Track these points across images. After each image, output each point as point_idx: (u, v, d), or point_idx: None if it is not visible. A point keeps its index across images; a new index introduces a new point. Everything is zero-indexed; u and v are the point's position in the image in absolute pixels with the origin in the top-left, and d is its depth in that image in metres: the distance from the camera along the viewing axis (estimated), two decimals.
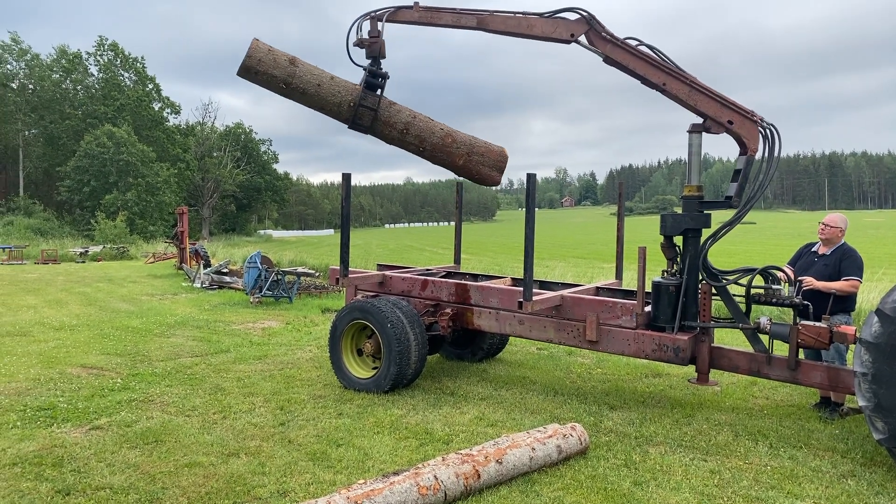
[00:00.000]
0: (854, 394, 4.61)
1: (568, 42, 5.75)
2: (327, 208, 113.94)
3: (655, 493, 4.16)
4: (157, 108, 59.68)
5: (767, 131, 5.44)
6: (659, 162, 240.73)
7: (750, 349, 5.43)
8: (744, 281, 5.41)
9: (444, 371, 7.36)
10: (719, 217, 5.56)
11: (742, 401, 6.32)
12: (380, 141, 6.51)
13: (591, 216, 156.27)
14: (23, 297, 14.11)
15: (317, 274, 15.76)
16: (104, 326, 10.29)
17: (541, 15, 5.81)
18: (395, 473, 3.86)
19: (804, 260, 6.10)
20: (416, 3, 6.07)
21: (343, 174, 6.24)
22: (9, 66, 51.60)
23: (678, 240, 5.61)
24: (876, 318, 4.35)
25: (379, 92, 6.20)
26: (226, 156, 69.37)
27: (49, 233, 40.91)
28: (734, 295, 5.49)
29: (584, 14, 5.68)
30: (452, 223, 8.77)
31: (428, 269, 8.11)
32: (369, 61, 6.19)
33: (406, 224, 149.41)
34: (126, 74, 57.72)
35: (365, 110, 6.12)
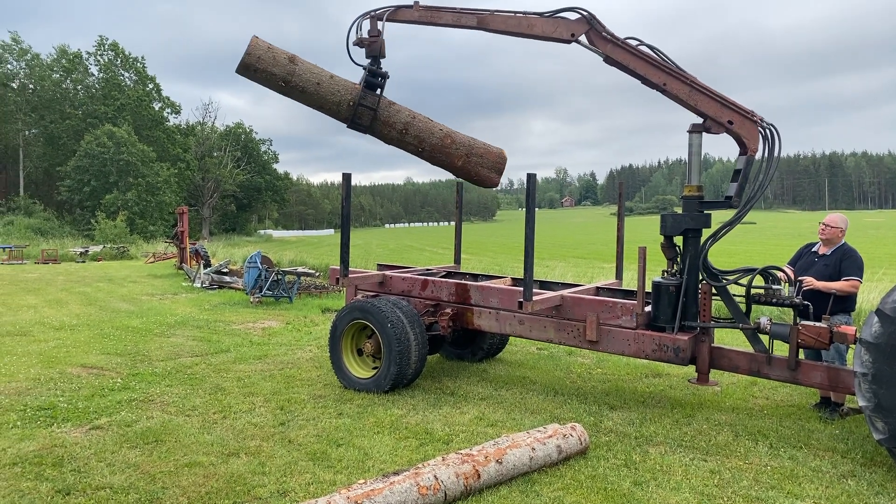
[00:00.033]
0: (854, 394, 4.61)
1: (568, 42, 5.75)
2: (327, 208, 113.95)
3: (655, 493, 4.16)
4: (157, 108, 59.71)
5: (767, 131, 5.44)
6: (659, 162, 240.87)
7: (750, 349, 5.43)
8: (744, 281, 5.41)
9: (444, 371, 7.36)
10: (719, 217, 5.56)
11: (742, 401, 6.32)
12: (379, 141, 6.50)
13: (591, 216, 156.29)
14: (23, 297, 14.12)
15: (317, 274, 15.77)
16: (104, 326, 10.30)
17: (541, 14, 5.81)
18: (396, 473, 3.86)
19: (804, 260, 6.10)
20: (417, 3, 6.06)
21: (343, 174, 6.24)
22: (9, 66, 51.64)
23: (678, 240, 5.61)
24: (876, 319, 4.35)
25: (378, 91, 6.19)
26: (226, 156, 69.38)
27: (49, 232, 40.92)
28: (734, 295, 5.49)
29: (585, 14, 5.68)
30: (452, 223, 8.77)
31: (428, 269, 8.11)
32: (369, 60, 6.17)
33: (406, 224, 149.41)
34: (126, 74, 57.76)
35: (364, 110, 6.10)
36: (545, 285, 7.23)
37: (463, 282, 6.77)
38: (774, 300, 5.29)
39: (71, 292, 15.25)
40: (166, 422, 5.45)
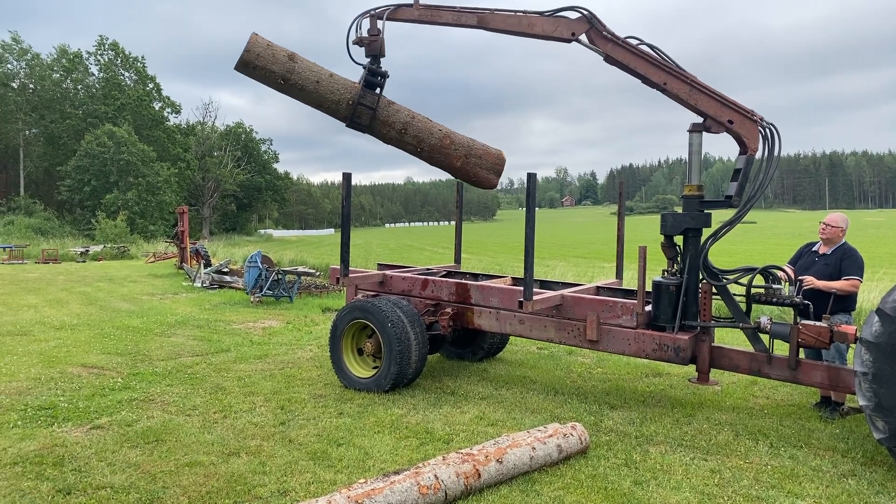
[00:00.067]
0: (854, 393, 4.61)
1: (569, 41, 5.75)
2: (328, 208, 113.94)
3: (656, 493, 4.16)
4: (157, 108, 59.69)
5: (767, 131, 5.44)
6: (659, 161, 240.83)
7: (750, 349, 5.43)
8: (744, 280, 5.41)
9: (444, 370, 7.36)
10: (720, 216, 5.56)
11: (742, 400, 6.32)
12: (379, 140, 6.49)
13: (591, 215, 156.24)
14: (23, 297, 14.12)
15: (317, 273, 15.77)
16: (105, 326, 10.30)
17: (541, 13, 5.81)
18: (396, 473, 3.86)
19: (805, 259, 6.09)
20: (417, 1, 6.05)
21: (343, 174, 6.23)
22: (9, 66, 51.62)
23: (678, 239, 5.61)
24: (876, 318, 4.35)
25: (378, 91, 6.17)
26: (226, 155, 69.38)
27: (49, 232, 40.91)
28: (734, 294, 5.49)
29: (585, 13, 5.67)
30: (453, 223, 8.77)
31: (428, 269, 8.11)
32: (369, 59, 6.15)
33: (406, 223, 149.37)
34: (126, 74, 57.75)
35: (363, 109, 6.07)
36: (545, 285, 7.24)
37: (463, 281, 6.77)
38: (775, 299, 5.29)
39: (71, 292, 15.26)
40: (167, 421, 5.46)
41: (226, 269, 16.72)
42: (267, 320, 11.11)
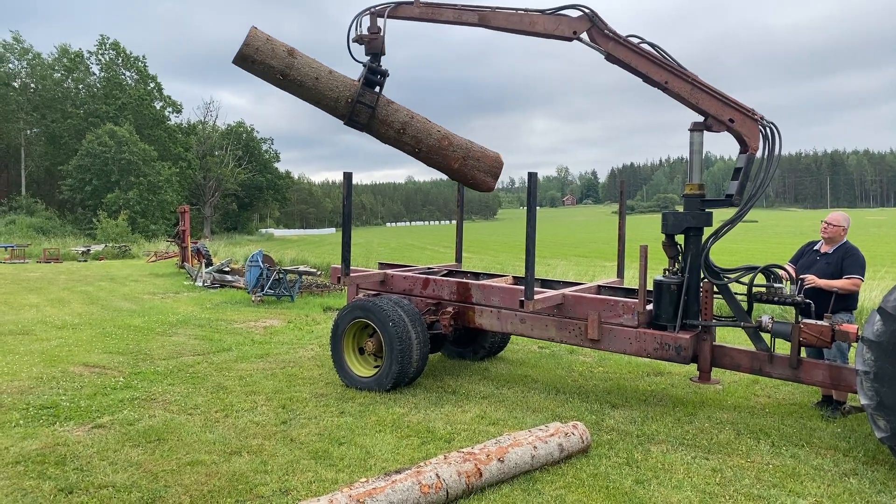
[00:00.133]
0: (856, 392, 4.61)
1: (570, 39, 5.74)
2: (329, 207, 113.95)
3: (657, 492, 4.16)
4: (158, 107, 59.75)
5: (768, 129, 5.43)
6: (660, 160, 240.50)
7: (752, 348, 5.43)
8: (745, 279, 5.40)
9: (445, 370, 7.36)
10: (721, 215, 5.55)
11: (744, 399, 6.32)
12: (377, 140, 6.46)
13: (592, 215, 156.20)
14: (25, 296, 14.14)
15: (318, 273, 15.78)
16: (106, 325, 10.31)
17: (543, 12, 5.79)
18: (398, 472, 3.86)
19: (806, 258, 6.09)
20: None
21: (344, 173, 6.22)
22: (10, 66, 51.65)
23: (680, 238, 5.61)
24: (878, 317, 4.35)
25: (378, 89, 6.13)
26: (227, 154, 69.41)
27: (51, 232, 40.94)
28: (736, 293, 5.49)
29: (587, 11, 5.66)
30: (454, 222, 8.77)
31: (429, 268, 8.11)
32: (369, 58, 6.12)
33: (407, 223, 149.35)
34: (127, 73, 57.80)
35: (362, 107, 6.02)
36: (547, 284, 7.24)
37: (464, 280, 6.77)
38: (776, 298, 5.29)
39: (73, 291, 15.28)
40: (168, 420, 5.46)
41: (227, 269, 16.73)
42: (268, 319, 11.11)
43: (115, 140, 47.76)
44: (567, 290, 6.20)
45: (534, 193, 5.42)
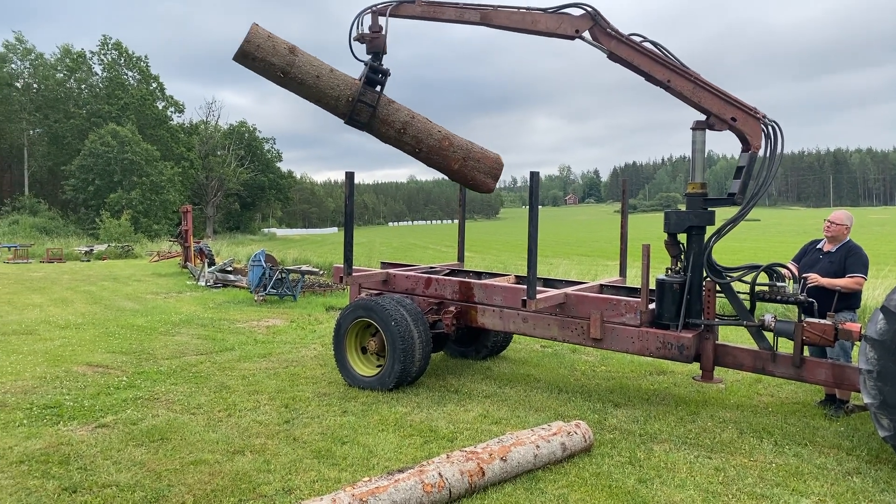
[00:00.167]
0: (859, 391, 4.60)
1: (572, 38, 5.73)
2: (331, 206, 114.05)
3: (660, 491, 4.16)
4: (160, 107, 59.84)
5: (770, 128, 5.42)
6: (663, 159, 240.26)
7: (755, 346, 5.42)
8: (748, 278, 5.40)
9: (448, 369, 7.37)
10: (723, 214, 5.55)
11: (747, 398, 6.31)
12: (378, 139, 6.45)
13: (594, 213, 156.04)
14: (28, 296, 14.17)
15: (321, 272, 15.79)
16: (109, 325, 10.33)
17: (545, 10, 5.79)
18: (400, 471, 3.86)
19: (809, 257, 6.08)
20: None
21: (346, 172, 6.22)
22: (13, 66, 51.76)
23: (682, 237, 5.60)
24: (881, 316, 4.34)
25: (379, 88, 6.11)
26: (230, 154, 69.50)
27: (54, 231, 41.04)
28: (738, 292, 5.48)
29: (589, 9, 5.66)
30: (456, 221, 8.78)
31: (431, 267, 8.11)
32: (370, 56, 6.10)
33: (409, 222, 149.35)
34: (130, 73, 57.88)
35: (363, 106, 5.99)
36: (549, 283, 7.24)
37: (467, 280, 6.77)
38: (779, 297, 5.28)
39: (76, 291, 15.31)
40: (172, 420, 5.47)
41: (230, 268, 16.76)
42: (271, 319, 11.13)
43: (118, 140, 47.85)
44: (569, 290, 6.20)
45: (536, 192, 5.42)
